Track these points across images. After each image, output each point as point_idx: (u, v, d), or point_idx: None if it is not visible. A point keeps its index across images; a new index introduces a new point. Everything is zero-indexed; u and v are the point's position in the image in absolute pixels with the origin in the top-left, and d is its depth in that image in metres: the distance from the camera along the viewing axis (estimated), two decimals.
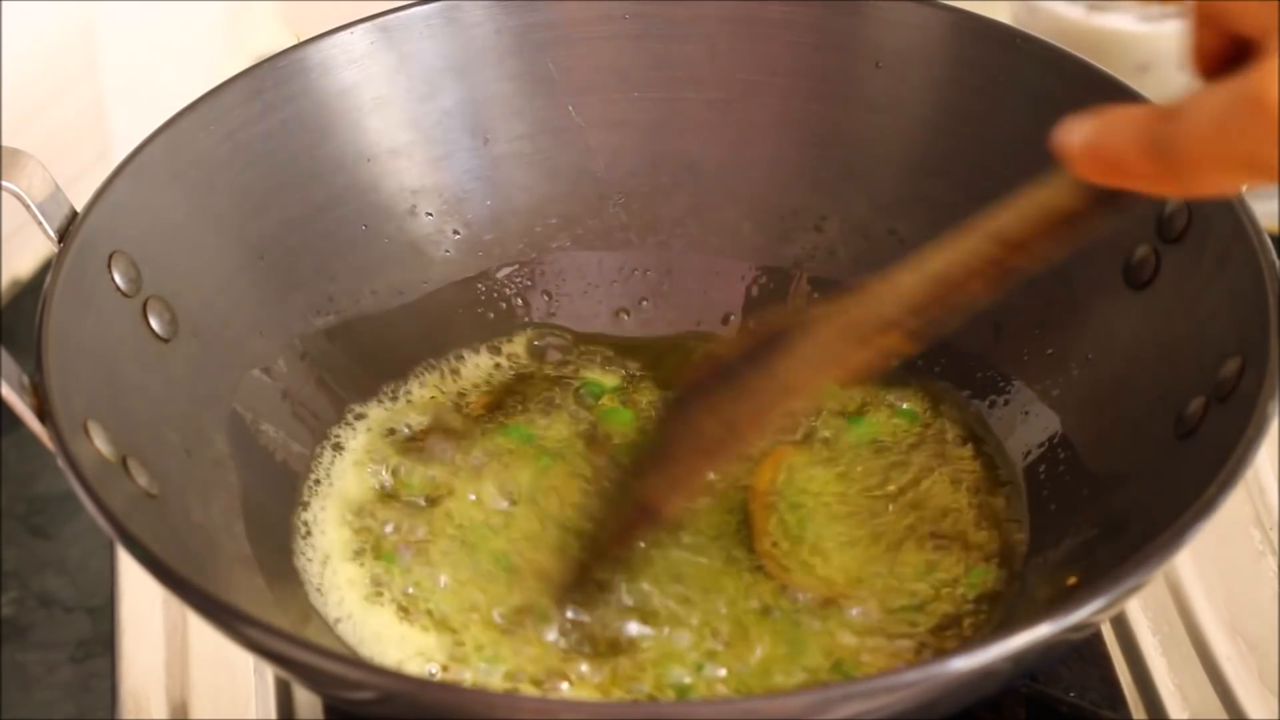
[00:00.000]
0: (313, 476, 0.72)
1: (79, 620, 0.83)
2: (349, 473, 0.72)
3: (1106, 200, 0.53)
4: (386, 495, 0.71)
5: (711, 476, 0.66)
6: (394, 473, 0.72)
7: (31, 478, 0.88)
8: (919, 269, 0.59)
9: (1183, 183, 0.48)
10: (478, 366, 0.77)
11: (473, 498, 0.71)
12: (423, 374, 0.76)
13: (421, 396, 0.75)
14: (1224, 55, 0.49)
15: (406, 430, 0.74)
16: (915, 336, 0.60)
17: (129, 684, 0.69)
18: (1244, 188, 0.50)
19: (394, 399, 0.75)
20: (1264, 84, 0.45)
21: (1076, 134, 0.50)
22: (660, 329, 0.79)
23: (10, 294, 0.96)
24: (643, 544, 0.67)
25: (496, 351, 0.77)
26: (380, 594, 0.67)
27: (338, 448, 0.73)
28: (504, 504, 0.71)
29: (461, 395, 0.76)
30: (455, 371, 0.76)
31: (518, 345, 0.78)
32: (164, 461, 0.64)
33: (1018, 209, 0.55)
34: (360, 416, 0.74)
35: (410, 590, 0.67)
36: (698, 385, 0.66)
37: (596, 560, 0.67)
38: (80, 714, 0.79)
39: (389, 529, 0.70)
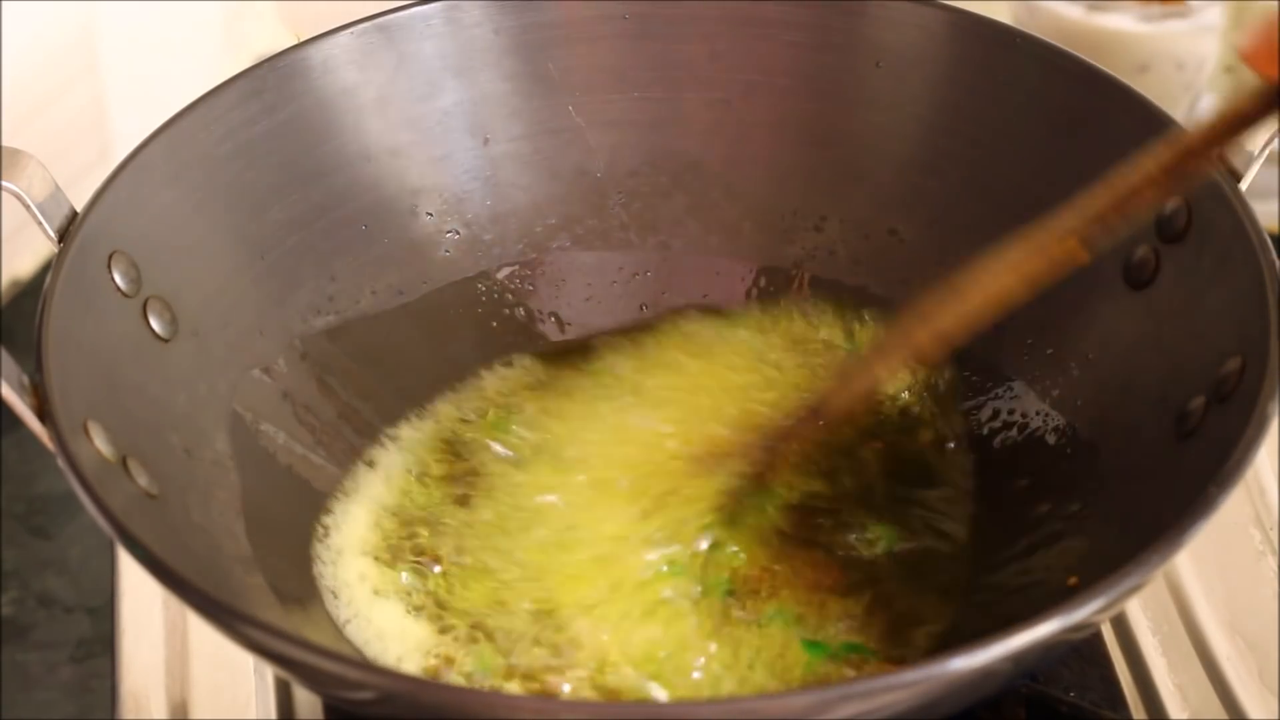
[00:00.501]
0: (316, 482, 0.72)
1: (79, 620, 0.83)
2: (351, 480, 0.72)
3: (1274, 101, 0.57)
4: (411, 504, 0.72)
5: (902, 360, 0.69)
6: (419, 479, 0.72)
7: (31, 478, 0.88)
8: (1108, 183, 0.62)
9: None
10: (498, 376, 0.77)
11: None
12: (424, 381, 0.76)
13: (445, 414, 0.75)
14: None
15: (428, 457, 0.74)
16: (1091, 244, 0.63)
17: (129, 684, 0.69)
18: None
19: (396, 404, 0.75)
20: None
21: (1253, 33, 0.55)
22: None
23: (10, 294, 0.97)
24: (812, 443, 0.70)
25: (508, 363, 0.77)
26: (390, 591, 0.67)
27: (370, 463, 0.73)
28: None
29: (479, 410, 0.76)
30: (479, 384, 0.77)
31: (523, 347, 0.78)
32: (164, 461, 0.64)
33: (1195, 125, 0.60)
34: (362, 428, 0.74)
35: (429, 587, 0.68)
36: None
37: (764, 455, 0.70)
38: (80, 714, 0.79)
39: (411, 534, 0.70)
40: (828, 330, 0.77)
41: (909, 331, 0.67)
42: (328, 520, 0.70)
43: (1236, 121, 0.58)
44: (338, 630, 0.67)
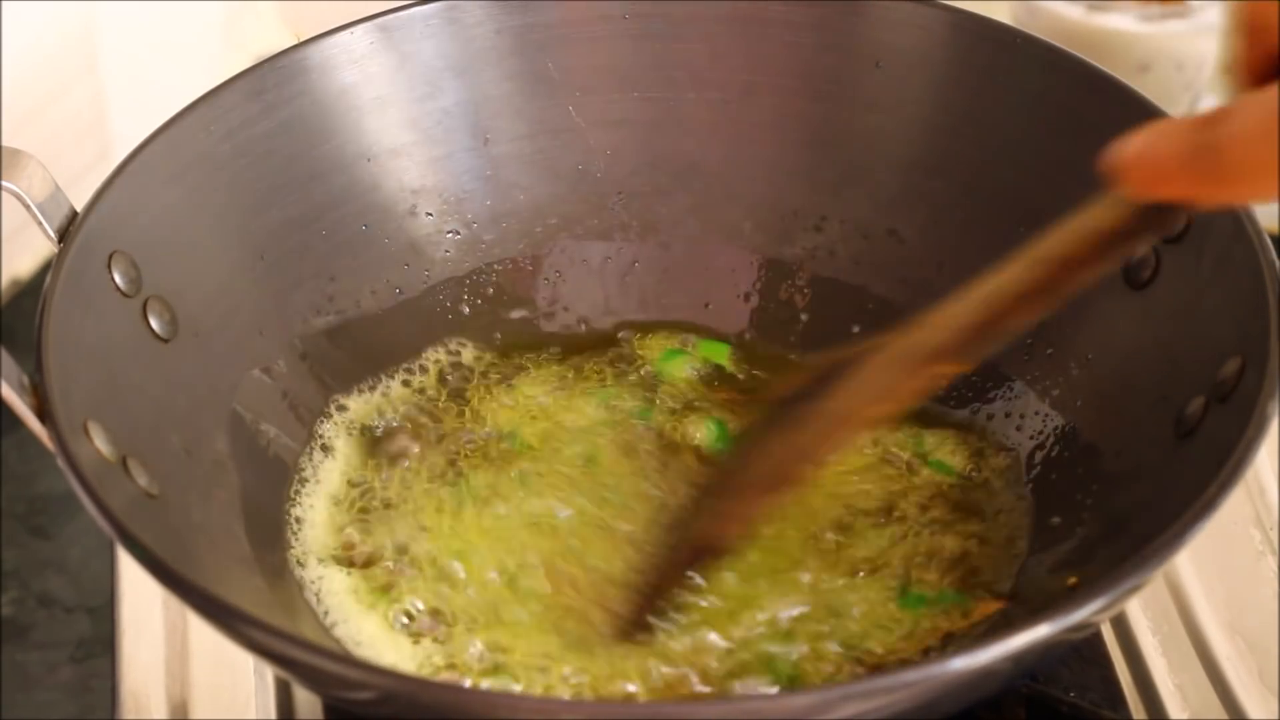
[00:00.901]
0: (308, 477, 0.72)
1: (79, 620, 0.83)
2: (335, 475, 0.72)
3: (1150, 217, 0.53)
4: (377, 498, 0.71)
5: (768, 509, 0.66)
6: (377, 474, 0.72)
7: (31, 478, 0.88)
8: (968, 297, 0.58)
9: (1228, 188, 0.48)
10: (475, 358, 0.77)
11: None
12: (409, 373, 0.76)
13: (404, 395, 0.75)
14: (1266, 65, 0.49)
15: (387, 425, 0.74)
16: (965, 361, 0.60)
17: (129, 684, 0.69)
18: None
19: (384, 393, 0.75)
20: None
21: (1125, 148, 0.50)
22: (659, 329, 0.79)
23: (10, 294, 0.96)
24: (694, 578, 0.67)
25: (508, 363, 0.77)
26: (375, 600, 0.67)
27: (326, 449, 0.73)
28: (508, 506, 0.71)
29: (457, 392, 0.76)
30: (456, 361, 0.77)
31: (523, 347, 0.78)
32: (164, 461, 0.64)
33: (1064, 232, 0.55)
34: (342, 408, 0.74)
35: (411, 598, 0.68)
36: (753, 427, 0.67)
37: (652, 596, 0.66)
38: (80, 714, 0.79)
39: (381, 530, 0.70)
40: None
41: (785, 457, 0.64)
42: (315, 519, 0.70)
43: (1106, 239, 0.54)
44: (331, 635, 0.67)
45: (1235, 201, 0.52)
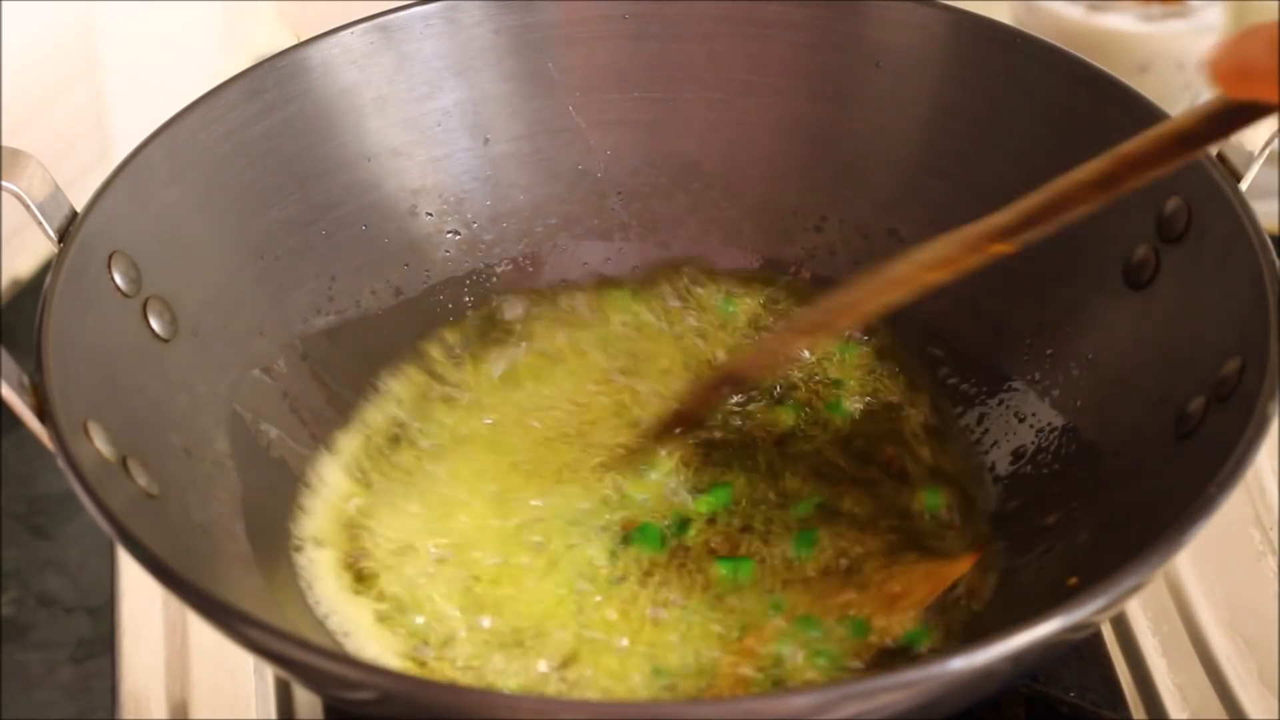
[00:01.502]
0: (317, 483, 0.72)
1: (79, 620, 0.83)
2: (341, 475, 0.72)
3: (1219, 121, 0.56)
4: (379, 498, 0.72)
5: (803, 352, 0.71)
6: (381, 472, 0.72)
7: (31, 478, 0.88)
8: (1036, 192, 0.61)
9: None
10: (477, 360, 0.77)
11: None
12: (424, 381, 0.76)
13: (408, 391, 0.75)
14: None
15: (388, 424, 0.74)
16: (1016, 241, 0.62)
17: (129, 684, 0.69)
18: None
19: (396, 404, 0.75)
20: None
21: (1220, 46, 0.53)
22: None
23: (10, 294, 0.96)
24: (718, 410, 0.71)
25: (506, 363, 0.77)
26: (368, 594, 0.68)
27: (344, 459, 0.73)
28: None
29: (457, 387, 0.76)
30: (456, 359, 0.77)
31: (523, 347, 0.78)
32: (164, 461, 0.64)
33: (1142, 136, 0.58)
34: (363, 429, 0.74)
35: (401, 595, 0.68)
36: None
37: (684, 410, 0.71)
38: (80, 714, 0.79)
39: (381, 532, 0.70)
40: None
41: (830, 308, 0.68)
42: (319, 520, 0.70)
43: (1180, 140, 0.57)
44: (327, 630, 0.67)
45: None
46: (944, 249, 0.64)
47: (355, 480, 0.72)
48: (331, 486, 0.71)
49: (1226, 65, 0.53)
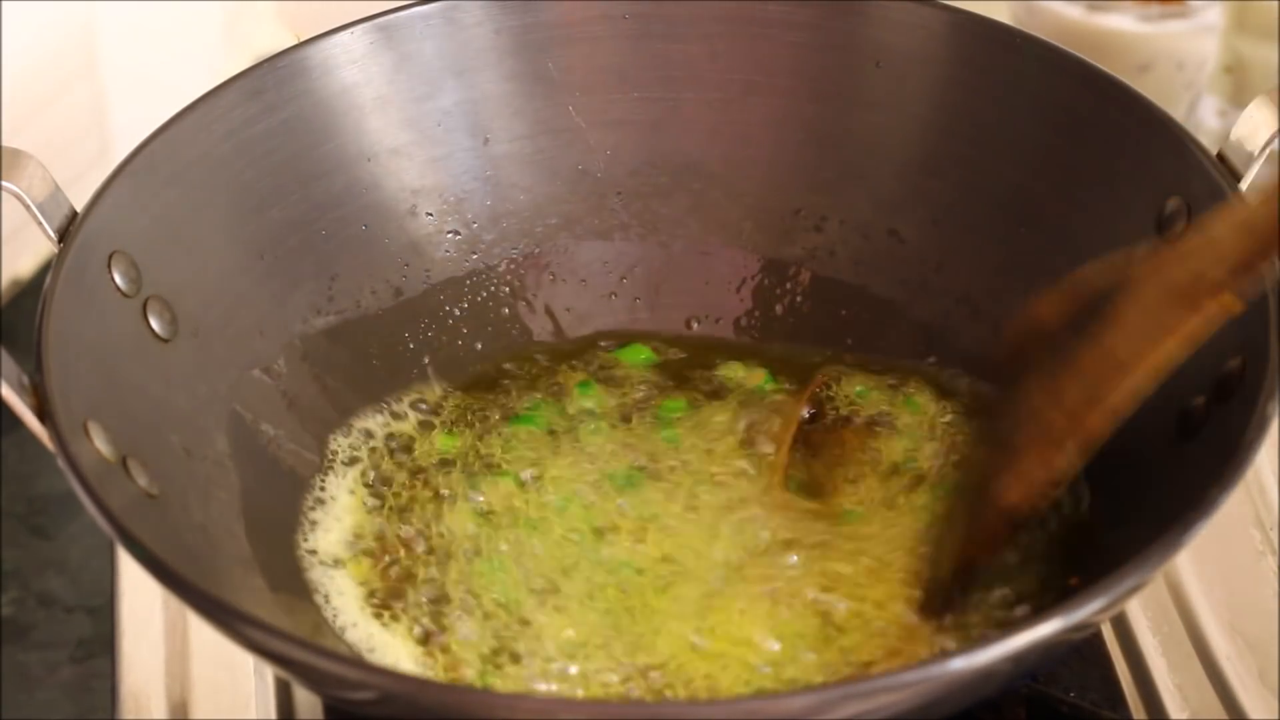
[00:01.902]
0: (317, 483, 0.71)
1: (79, 620, 0.83)
2: (354, 482, 0.72)
3: None
4: (391, 504, 0.71)
5: (1063, 466, 0.62)
6: (391, 480, 0.72)
7: (31, 478, 0.88)
8: (1232, 217, 0.57)
9: None
10: (480, 370, 0.77)
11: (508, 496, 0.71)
12: (425, 381, 0.76)
13: (427, 401, 0.75)
14: None
15: (408, 438, 0.74)
16: (1243, 294, 0.57)
17: (129, 684, 0.69)
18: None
19: (397, 404, 0.75)
20: None
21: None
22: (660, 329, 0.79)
23: (10, 294, 0.96)
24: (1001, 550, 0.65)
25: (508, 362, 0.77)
26: (385, 607, 0.67)
27: (345, 459, 0.73)
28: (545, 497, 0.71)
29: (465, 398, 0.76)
30: (461, 371, 0.77)
31: (524, 347, 0.78)
32: (164, 461, 0.64)
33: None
34: (364, 429, 0.74)
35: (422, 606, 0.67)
36: (1021, 353, 0.63)
37: (964, 576, 0.65)
38: (80, 714, 0.79)
39: (394, 533, 0.70)
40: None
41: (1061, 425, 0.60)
42: (329, 525, 0.70)
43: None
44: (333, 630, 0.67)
45: None
46: (1155, 310, 0.58)
47: (369, 482, 0.72)
48: (345, 489, 0.71)
49: None
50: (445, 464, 0.73)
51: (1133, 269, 0.59)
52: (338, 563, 0.69)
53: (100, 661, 0.80)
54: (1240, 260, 0.57)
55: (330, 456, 0.72)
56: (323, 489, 0.71)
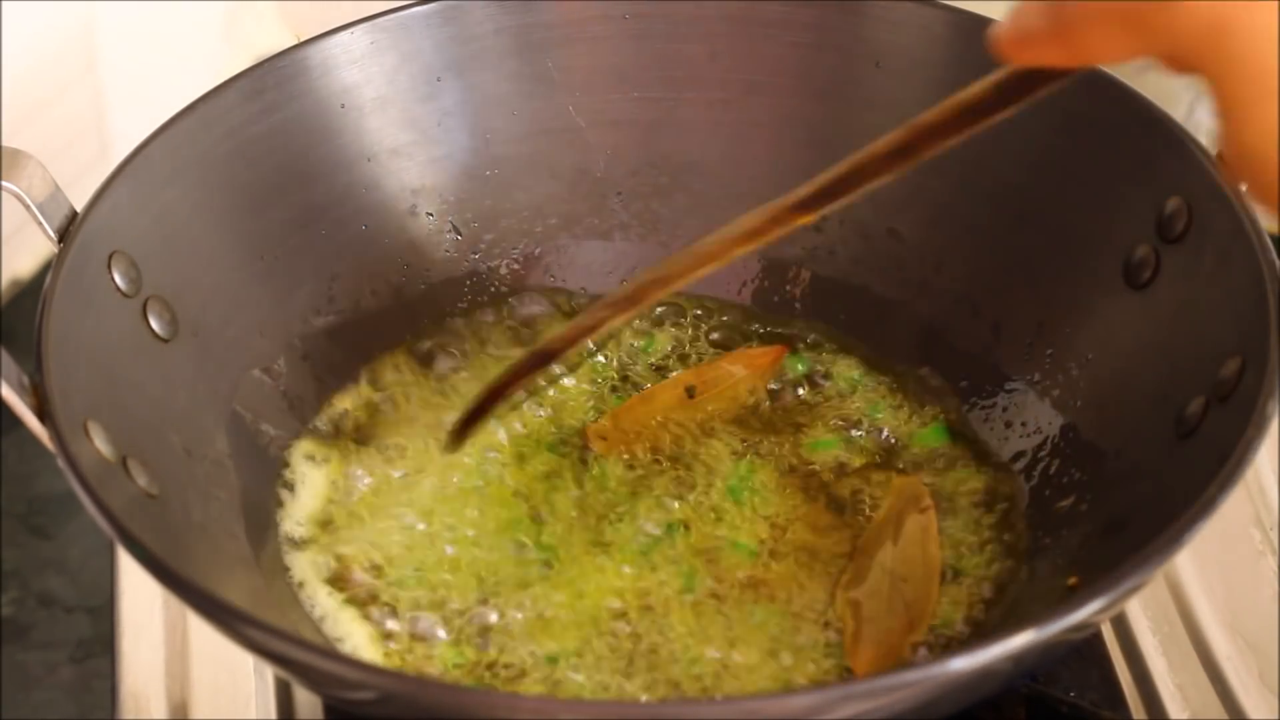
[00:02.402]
0: (292, 478, 0.72)
1: (79, 620, 0.83)
2: (320, 475, 0.72)
3: (1008, 89, 0.58)
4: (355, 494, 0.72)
5: (614, 323, 0.68)
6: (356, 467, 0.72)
7: (31, 478, 0.88)
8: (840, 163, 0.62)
9: (1072, 45, 0.53)
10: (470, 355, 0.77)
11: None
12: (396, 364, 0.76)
13: (391, 383, 0.75)
14: None
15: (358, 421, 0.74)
16: (815, 212, 0.63)
17: (129, 684, 0.69)
18: (1136, 62, 0.53)
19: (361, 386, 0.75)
20: None
21: (1000, 24, 0.55)
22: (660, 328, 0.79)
23: (10, 294, 0.97)
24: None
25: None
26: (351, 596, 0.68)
27: (312, 456, 0.73)
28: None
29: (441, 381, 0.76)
30: (455, 352, 0.77)
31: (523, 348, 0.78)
32: (164, 461, 0.64)
33: (936, 107, 0.60)
34: (332, 405, 0.74)
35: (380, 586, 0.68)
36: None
37: (487, 403, 0.69)
38: (80, 714, 0.79)
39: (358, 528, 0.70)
40: None
41: (642, 283, 0.67)
42: (302, 518, 0.70)
43: (971, 110, 0.59)
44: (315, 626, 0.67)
45: (1080, 61, 0.55)
46: (750, 222, 0.64)
47: (345, 476, 0.72)
48: (318, 485, 0.71)
49: (1007, 34, 0.54)
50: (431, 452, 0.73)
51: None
52: (324, 565, 0.69)
53: (100, 661, 0.80)
54: (826, 184, 0.62)
55: (328, 456, 0.72)
56: (309, 488, 0.71)
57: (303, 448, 0.72)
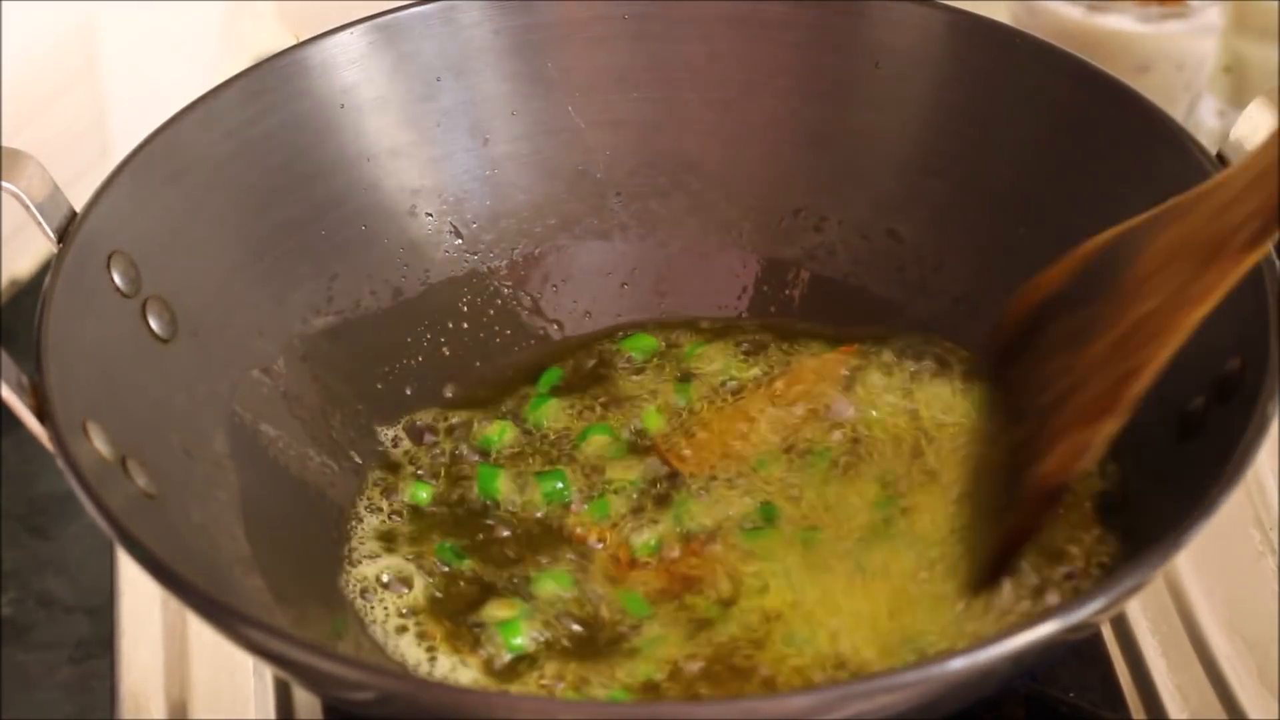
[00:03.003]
0: (328, 481, 0.72)
1: (79, 620, 0.83)
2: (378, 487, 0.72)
3: None
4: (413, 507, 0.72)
5: (1104, 435, 0.60)
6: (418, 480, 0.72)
7: (31, 478, 0.88)
8: (1249, 168, 0.56)
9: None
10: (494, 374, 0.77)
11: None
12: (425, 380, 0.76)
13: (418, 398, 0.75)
14: None
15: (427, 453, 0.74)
16: (1266, 239, 0.56)
17: (129, 684, 0.69)
18: None
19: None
20: None
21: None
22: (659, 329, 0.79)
23: (10, 294, 0.96)
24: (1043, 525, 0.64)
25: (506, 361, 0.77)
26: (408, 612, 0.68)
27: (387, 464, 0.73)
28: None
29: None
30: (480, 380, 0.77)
31: (524, 347, 0.78)
32: (164, 461, 0.64)
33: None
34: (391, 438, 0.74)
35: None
36: (1025, 329, 0.64)
37: (1009, 552, 0.64)
38: (80, 714, 0.79)
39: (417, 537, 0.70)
40: None
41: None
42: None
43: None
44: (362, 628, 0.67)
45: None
46: (1169, 265, 0.58)
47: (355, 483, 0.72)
48: (330, 487, 0.71)
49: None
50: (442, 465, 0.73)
51: (1145, 232, 0.60)
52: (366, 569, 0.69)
53: (100, 662, 0.80)
54: (1268, 207, 0.56)
55: (327, 456, 0.72)
56: (321, 488, 0.71)
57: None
